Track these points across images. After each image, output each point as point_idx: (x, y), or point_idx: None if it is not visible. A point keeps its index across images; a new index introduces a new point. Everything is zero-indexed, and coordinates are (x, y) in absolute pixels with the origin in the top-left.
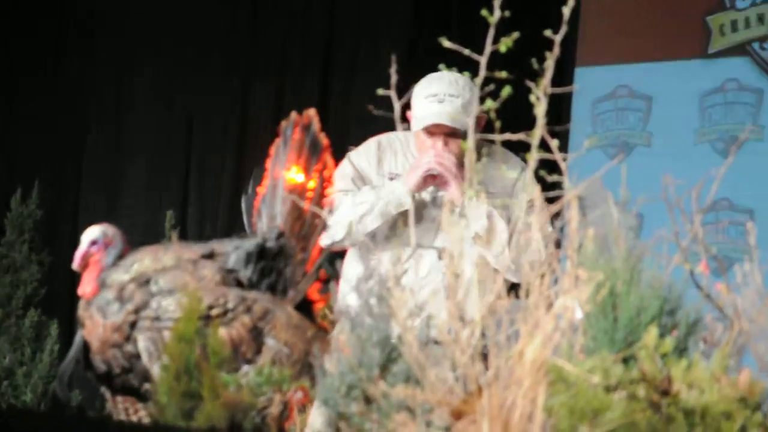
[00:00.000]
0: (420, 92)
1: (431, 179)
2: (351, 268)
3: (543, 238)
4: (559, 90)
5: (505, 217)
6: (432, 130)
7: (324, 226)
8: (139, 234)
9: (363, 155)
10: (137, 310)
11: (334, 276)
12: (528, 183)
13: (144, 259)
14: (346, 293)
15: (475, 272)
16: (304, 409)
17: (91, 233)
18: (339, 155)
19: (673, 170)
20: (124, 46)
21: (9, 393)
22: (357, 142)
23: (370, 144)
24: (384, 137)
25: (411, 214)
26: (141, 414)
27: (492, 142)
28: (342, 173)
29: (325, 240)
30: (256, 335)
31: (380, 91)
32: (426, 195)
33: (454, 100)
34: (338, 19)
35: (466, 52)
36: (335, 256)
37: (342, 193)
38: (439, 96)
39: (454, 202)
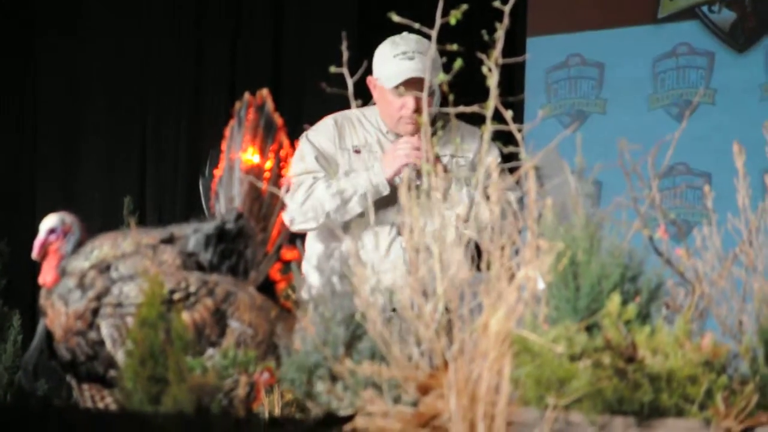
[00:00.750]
0: (387, 53)
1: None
2: (312, 248)
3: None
4: (510, 60)
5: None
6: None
7: (283, 205)
8: (98, 221)
9: (322, 134)
10: (99, 297)
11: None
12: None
13: (103, 246)
14: (309, 273)
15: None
16: (271, 389)
17: (49, 222)
18: (293, 135)
19: (629, 136)
20: (75, 32)
21: None
22: (311, 120)
23: (327, 122)
24: (338, 114)
25: (370, 203)
26: (108, 401)
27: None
28: (303, 154)
29: (296, 225)
30: (220, 318)
31: (332, 69)
32: (398, 179)
33: (423, 57)
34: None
35: (416, 26)
36: (296, 236)
37: (309, 175)
38: (409, 53)
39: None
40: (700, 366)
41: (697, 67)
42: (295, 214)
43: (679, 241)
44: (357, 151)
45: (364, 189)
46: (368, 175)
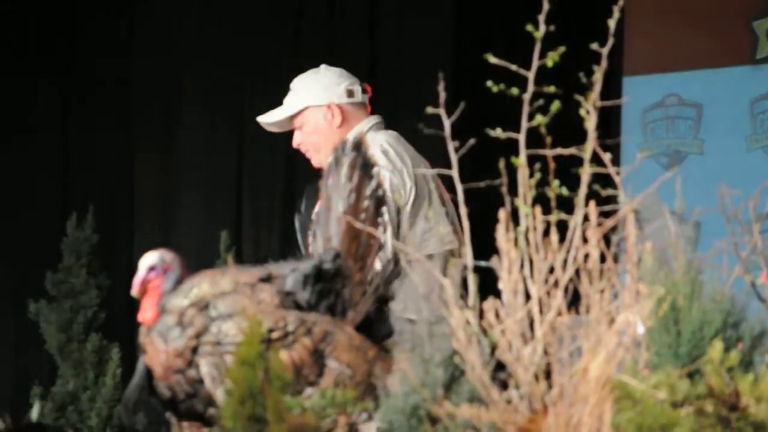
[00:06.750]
0: None
1: None
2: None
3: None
4: (608, 103)
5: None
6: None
7: (381, 247)
8: (195, 256)
9: None
10: (198, 335)
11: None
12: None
13: (202, 284)
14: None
15: None
16: None
17: (149, 259)
18: None
19: (727, 178)
20: (169, 68)
21: (75, 418)
22: None
23: None
24: None
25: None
26: None
27: None
28: None
29: None
30: (318, 357)
31: (429, 110)
32: None
33: (290, 95)
34: (380, 40)
35: (513, 67)
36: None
37: None
38: (290, 90)
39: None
40: None
41: None
42: None
43: None
44: None
45: None
46: None
